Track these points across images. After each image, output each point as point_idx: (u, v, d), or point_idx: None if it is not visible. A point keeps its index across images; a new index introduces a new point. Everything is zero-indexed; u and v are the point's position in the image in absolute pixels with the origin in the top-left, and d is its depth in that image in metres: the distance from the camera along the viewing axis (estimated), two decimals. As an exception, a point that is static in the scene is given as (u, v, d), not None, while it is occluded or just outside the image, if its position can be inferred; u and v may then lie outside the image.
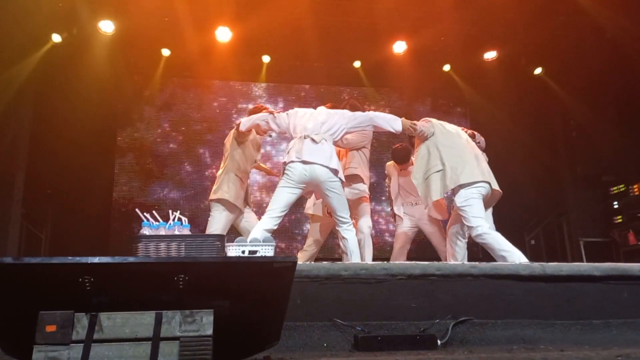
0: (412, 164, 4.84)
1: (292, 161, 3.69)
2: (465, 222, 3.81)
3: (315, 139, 3.71)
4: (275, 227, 3.65)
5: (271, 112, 4.06)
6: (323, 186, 3.69)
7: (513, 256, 3.50)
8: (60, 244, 6.61)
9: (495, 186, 3.91)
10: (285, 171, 3.73)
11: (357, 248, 3.82)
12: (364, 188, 4.46)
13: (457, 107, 8.60)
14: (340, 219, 3.77)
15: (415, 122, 4.03)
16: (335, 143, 3.92)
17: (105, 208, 7.40)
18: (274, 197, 3.71)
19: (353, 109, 4.28)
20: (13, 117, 6.04)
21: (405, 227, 4.77)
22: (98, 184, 7.19)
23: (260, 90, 8.27)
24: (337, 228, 3.86)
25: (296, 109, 4.01)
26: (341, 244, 3.86)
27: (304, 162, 3.65)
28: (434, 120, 4.12)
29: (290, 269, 1.59)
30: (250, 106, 4.94)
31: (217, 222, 4.27)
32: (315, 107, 4.08)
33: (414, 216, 4.74)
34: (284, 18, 6.45)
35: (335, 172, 3.69)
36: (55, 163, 6.66)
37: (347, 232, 3.77)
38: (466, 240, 4.18)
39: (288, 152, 3.80)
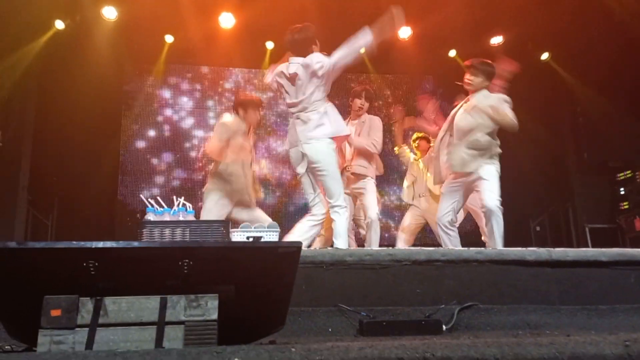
0: (426, 153, 4.95)
1: (290, 147, 3.72)
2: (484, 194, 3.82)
3: (302, 118, 3.63)
4: (324, 215, 3.70)
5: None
6: (312, 169, 3.64)
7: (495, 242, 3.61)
8: (67, 231, 6.64)
9: None
10: None
11: (345, 232, 3.67)
12: (371, 170, 4.47)
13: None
14: (330, 201, 3.66)
15: None
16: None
17: (111, 194, 7.43)
18: None
19: (369, 99, 4.50)
20: (17, 104, 6.04)
21: (412, 216, 4.90)
22: (104, 170, 7.21)
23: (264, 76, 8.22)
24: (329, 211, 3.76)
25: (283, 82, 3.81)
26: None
27: (296, 147, 3.65)
28: None
29: (295, 254, 1.58)
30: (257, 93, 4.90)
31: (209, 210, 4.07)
32: None
33: (420, 207, 4.86)
34: (288, 3, 6.37)
35: (319, 138, 3.60)
36: (60, 149, 6.66)
37: (335, 215, 3.64)
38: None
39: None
